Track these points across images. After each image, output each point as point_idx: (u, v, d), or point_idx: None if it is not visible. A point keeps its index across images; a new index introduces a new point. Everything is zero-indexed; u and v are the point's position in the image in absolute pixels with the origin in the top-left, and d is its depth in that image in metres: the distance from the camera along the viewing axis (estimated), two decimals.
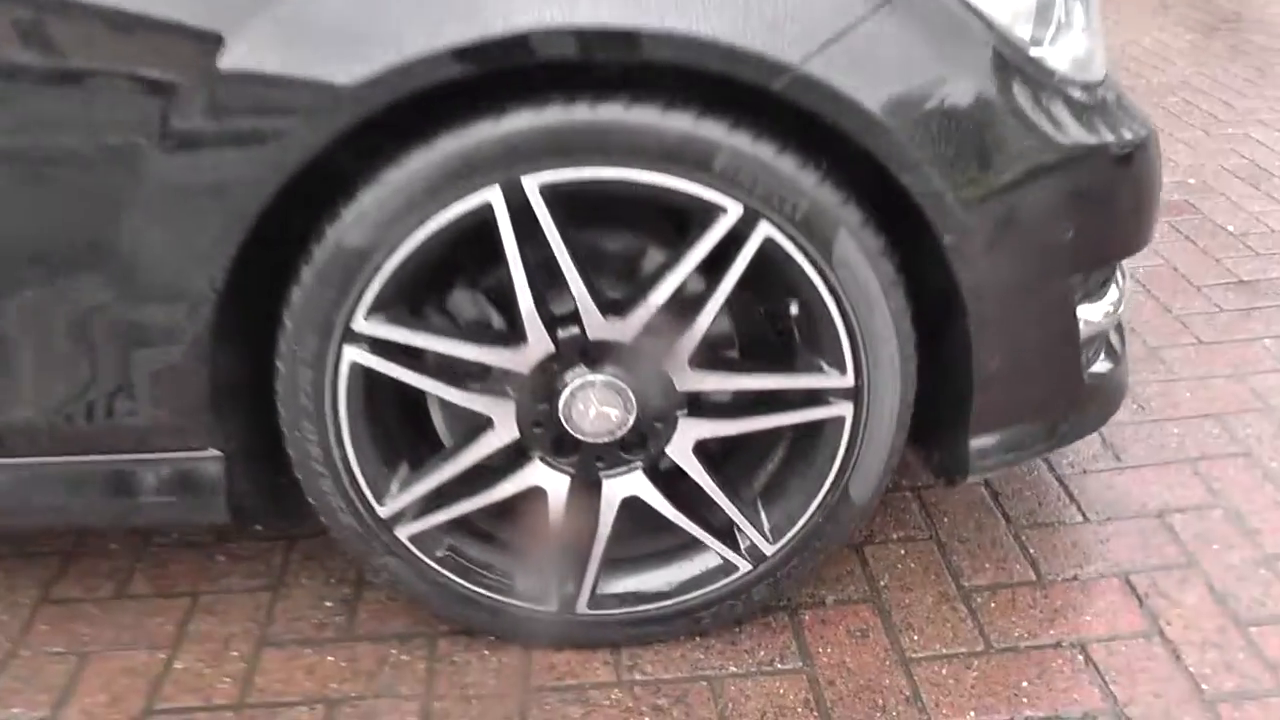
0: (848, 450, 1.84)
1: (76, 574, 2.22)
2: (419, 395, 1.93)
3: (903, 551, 2.23)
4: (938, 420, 1.94)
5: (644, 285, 1.73)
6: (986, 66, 1.68)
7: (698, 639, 2.03)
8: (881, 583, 2.15)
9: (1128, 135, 1.82)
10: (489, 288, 1.88)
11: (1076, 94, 1.79)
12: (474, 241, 1.80)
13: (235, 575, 2.21)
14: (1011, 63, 1.70)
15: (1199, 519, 2.28)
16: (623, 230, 1.88)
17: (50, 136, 1.60)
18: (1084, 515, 2.30)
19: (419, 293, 1.80)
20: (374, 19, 1.55)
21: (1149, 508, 2.32)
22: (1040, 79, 1.74)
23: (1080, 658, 1.97)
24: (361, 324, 1.70)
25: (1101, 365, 2.05)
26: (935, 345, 1.86)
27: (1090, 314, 1.92)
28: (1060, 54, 1.79)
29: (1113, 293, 2.02)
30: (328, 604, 2.13)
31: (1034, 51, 1.75)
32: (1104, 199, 1.80)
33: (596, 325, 1.73)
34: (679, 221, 1.78)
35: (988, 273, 1.73)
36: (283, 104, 1.58)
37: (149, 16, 1.55)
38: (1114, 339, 2.15)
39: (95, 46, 1.57)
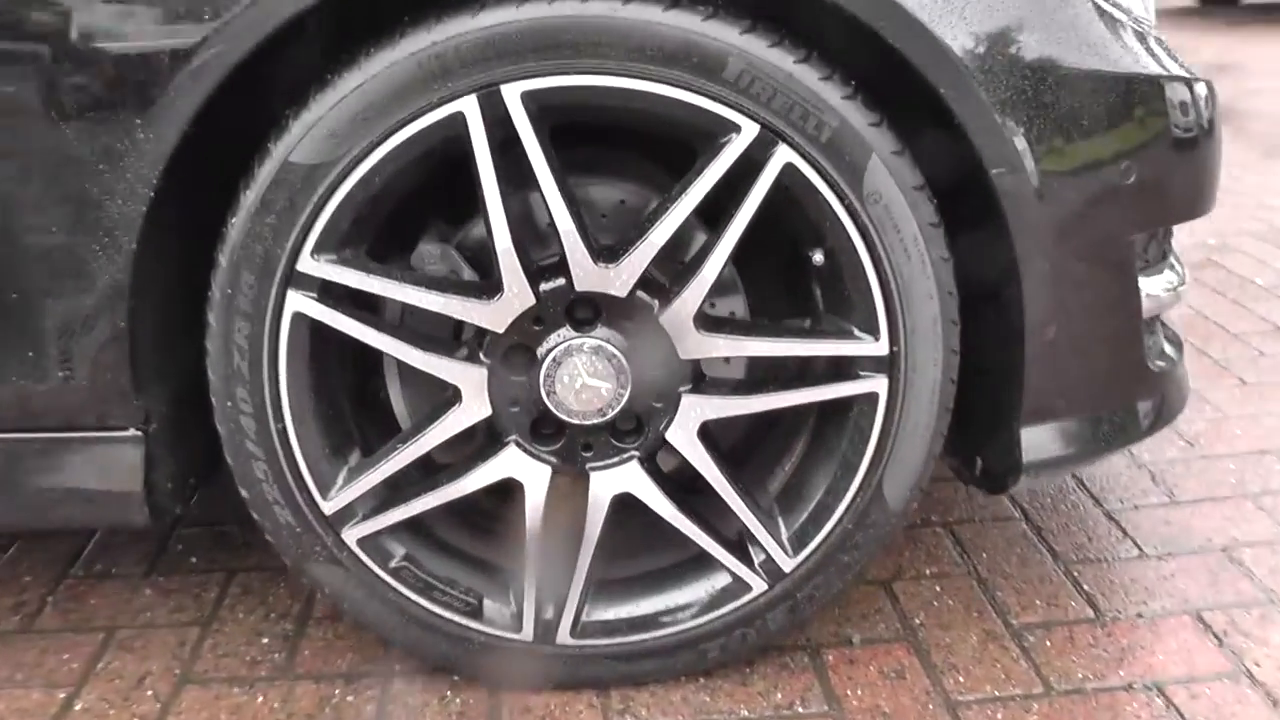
0: (882, 436, 1.55)
1: None
2: (375, 366, 1.65)
3: (938, 588, 1.92)
4: (982, 413, 1.66)
5: (642, 226, 1.47)
6: None
7: (702, 679, 1.71)
8: (916, 621, 1.84)
9: (1184, 75, 1.59)
10: (461, 243, 1.62)
11: (1132, 24, 1.57)
12: (444, 191, 1.57)
13: (161, 609, 1.89)
14: None
15: (1273, 554, 1.99)
16: (617, 179, 1.63)
17: None
18: (1140, 550, 2.01)
19: (378, 239, 1.53)
20: None
21: (1213, 543, 2.03)
22: (1100, 1, 1.52)
23: (1159, 701, 1.66)
24: (308, 263, 1.43)
25: (1161, 360, 1.78)
26: (978, 321, 1.60)
27: (1151, 287, 1.66)
28: None
29: (1170, 274, 1.77)
30: (264, 640, 1.81)
31: None
32: (1164, 140, 1.56)
33: (586, 273, 1.46)
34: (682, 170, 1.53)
35: (1043, 216, 1.47)
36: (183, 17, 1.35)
37: None
38: (1168, 347, 1.88)
39: None
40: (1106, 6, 1.53)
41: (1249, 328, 2.98)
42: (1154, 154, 1.54)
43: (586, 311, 1.51)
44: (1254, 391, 2.61)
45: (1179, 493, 2.20)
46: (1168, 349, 1.84)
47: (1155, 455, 2.34)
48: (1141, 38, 1.57)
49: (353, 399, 1.62)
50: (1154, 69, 1.54)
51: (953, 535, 2.07)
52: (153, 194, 1.38)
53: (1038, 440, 1.63)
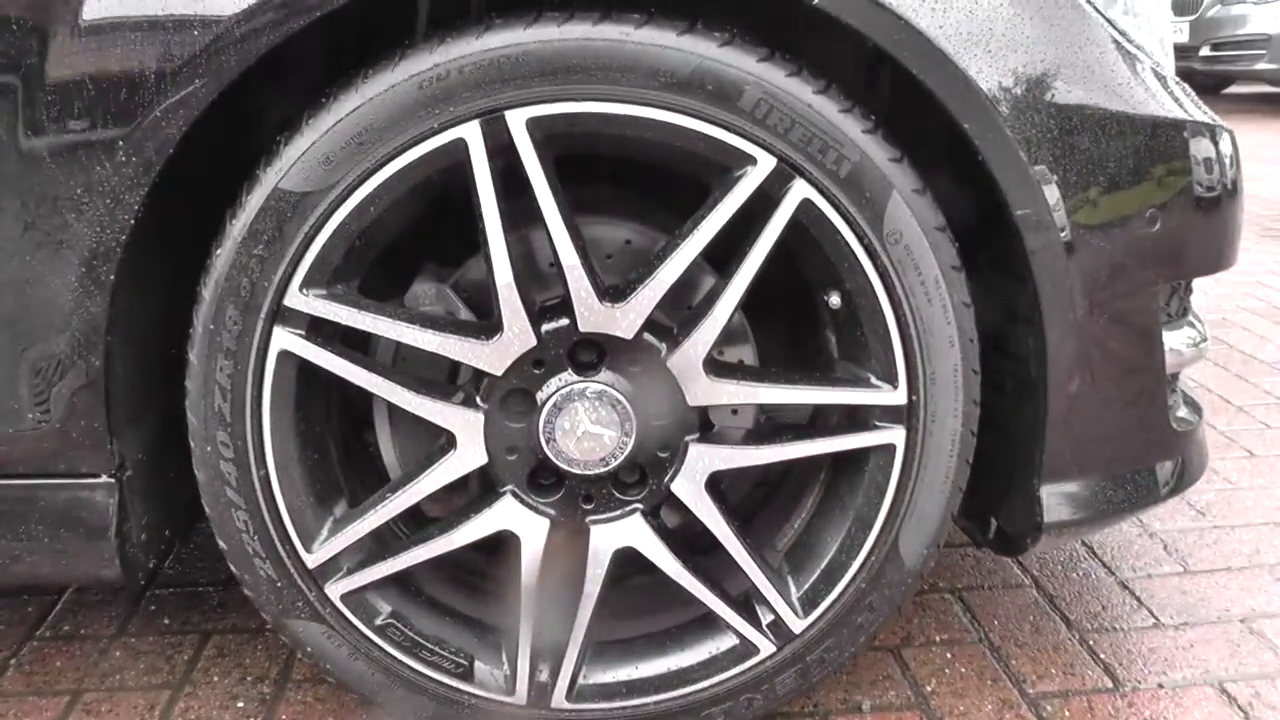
0: (899, 491, 1.48)
1: None
2: (363, 413, 1.57)
3: (949, 655, 1.83)
4: (998, 472, 1.59)
5: (650, 263, 1.40)
6: (1066, 8, 1.41)
7: None
8: (928, 688, 1.75)
9: (1208, 121, 1.55)
10: (458, 283, 1.55)
11: (1153, 67, 1.53)
12: (439, 233, 1.50)
13: (131, 671, 1.78)
14: (1091, 11, 1.43)
15: None
16: (622, 219, 1.56)
17: None
18: (1157, 619, 1.93)
19: (368, 277, 1.45)
20: None
21: (1231, 613, 1.95)
22: (1122, 40, 1.47)
23: None
24: (297, 298, 1.35)
25: (1182, 421, 1.71)
26: (995, 371, 1.54)
27: (1173, 341, 1.60)
28: (1136, 27, 1.54)
29: (1191, 330, 1.71)
30: (240, 704, 1.70)
31: (1119, 24, 1.49)
32: (1188, 188, 1.50)
33: (591, 312, 1.38)
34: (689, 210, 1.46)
35: (1069, 260, 1.41)
36: (161, 48, 1.28)
37: None
38: (1187, 410, 1.82)
39: None
40: (1130, 49, 1.48)
41: (1254, 401, 2.93)
42: (1180, 200, 1.49)
43: (590, 354, 1.44)
44: (1263, 463, 2.55)
45: (1193, 562, 2.12)
46: (1186, 412, 1.78)
47: (1166, 525, 2.26)
48: (1163, 81, 1.52)
49: (339, 447, 1.53)
50: (1178, 113, 1.49)
51: (962, 602, 1.99)
52: (134, 222, 1.30)
53: (1058, 500, 1.55)
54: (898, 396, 1.44)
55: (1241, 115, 9.84)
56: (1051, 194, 1.39)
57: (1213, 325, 3.53)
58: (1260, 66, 10.09)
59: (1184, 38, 10.77)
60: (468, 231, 1.41)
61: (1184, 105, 1.53)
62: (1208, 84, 11.68)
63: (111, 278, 1.33)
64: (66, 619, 1.93)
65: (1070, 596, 2.01)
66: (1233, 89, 11.87)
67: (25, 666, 1.80)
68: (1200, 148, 1.50)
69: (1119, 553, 2.15)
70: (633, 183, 1.58)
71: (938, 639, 1.88)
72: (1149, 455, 1.63)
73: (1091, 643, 1.87)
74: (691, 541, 1.60)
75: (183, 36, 1.28)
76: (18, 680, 1.77)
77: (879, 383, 1.44)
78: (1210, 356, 3.25)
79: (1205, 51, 10.57)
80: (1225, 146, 1.56)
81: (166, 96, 1.28)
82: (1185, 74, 11.53)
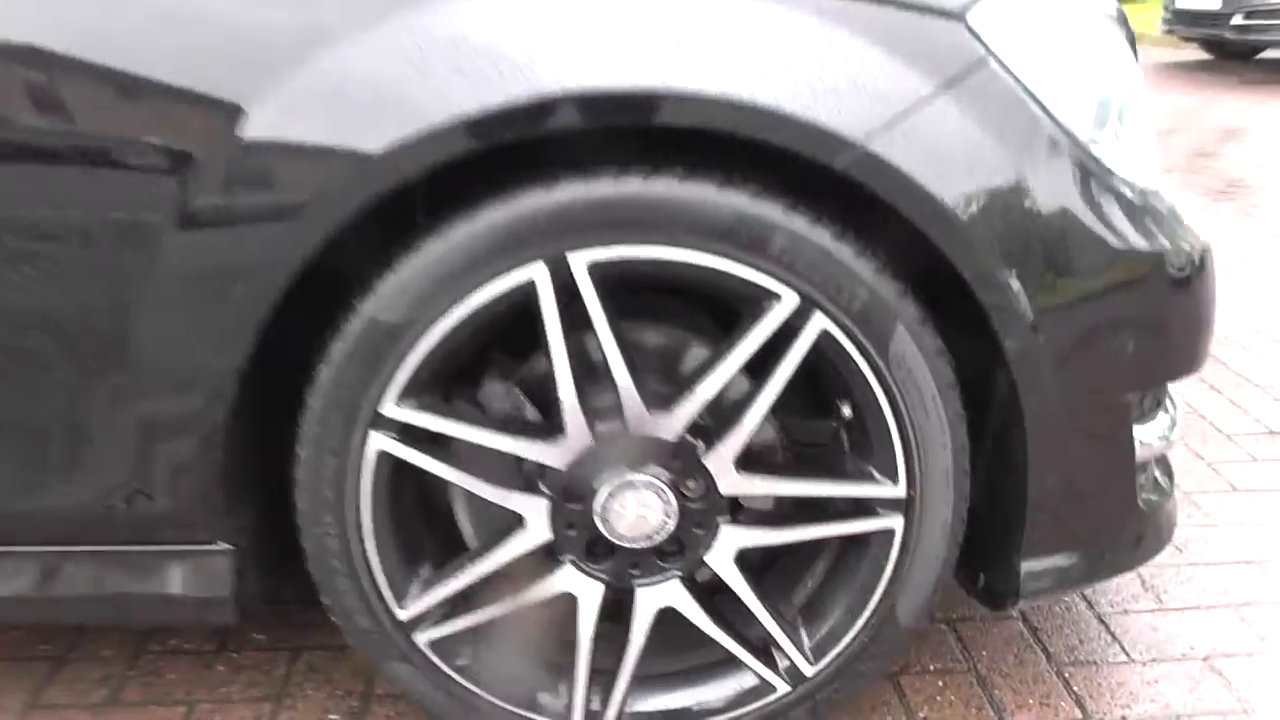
0: (896, 566, 1.74)
1: (67, 680, 2.08)
2: (443, 490, 1.84)
3: (941, 683, 2.10)
4: (986, 542, 1.85)
5: (690, 379, 1.65)
6: (1052, 158, 1.64)
7: None
8: (921, 714, 2.02)
9: (1185, 246, 1.77)
10: (523, 381, 1.80)
11: (1134, 197, 1.74)
12: (507, 332, 1.75)
13: (235, 685, 2.07)
14: (1075, 156, 1.66)
15: (1250, 666, 2.16)
16: (665, 325, 1.81)
17: (59, 211, 1.54)
18: (1127, 655, 2.19)
19: (449, 381, 1.71)
20: (403, 84, 1.50)
21: (1195, 651, 2.20)
22: (1103, 176, 1.70)
23: None
24: (391, 408, 1.61)
25: (1152, 495, 1.96)
26: (983, 461, 1.79)
27: (1145, 435, 1.85)
28: (1116, 154, 1.75)
29: (1163, 418, 1.95)
30: (332, 716, 1.99)
31: (1094, 149, 1.71)
32: (1161, 307, 1.74)
33: (639, 421, 1.64)
34: (723, 318, 1.72)
35: (1050, 381, 1.66)
36: (306, 174, 1.53)
37: (164, 84, 1.51)
38: (1160, 477, 2.06)
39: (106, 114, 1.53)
40: (1113, 182, 1.70)
41: (1243, 429, 3.14)
42: (1149, 321, 1.72)
43: (639, 450, 1.69)
44: (1243, 499, 2.77)
45: (1167, 599, 2.37)
46: (1159, 479, 2.02)
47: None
48: (1142, 210, 1.73)
49: (424, 518, 1.80)
50: (1155, 245, 1.71)
51: (955, 632, 2.25)
52: (248, 358, 1.57)
53: (1034, 573, 1.81)
54: (898, 491, 1.69)
55: (1273, 85, 9.89)
56: (1035, 318, 1.62)
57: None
58: None
59: (1217, 5, 10.81)
60: (530, 329, 1.65)
61: (1154, 232, 1.73)
62: (1239, 51, 11.71)
63: (229, 401, 1.60)
64: (172, 634, 2.22)
65: (1052, 629, 2.26)
66: (1264, 55, 11.89)
67: (143, 679, 2.09)
68: (1165, 273, 1.72)
69: (1100, 588, 2.40)
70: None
71: (932, 668, 2.14)
72: (1117, 533, 1.89)
73: (1067, 675, 2.13)
74: (719, 589, 1.87)
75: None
76: (138, 691, 2.06)
77: (882, 478, 1.70)
78: (1205, 377, 3.46)
79: (1237, 20, 10.62)
80: (1191, 270, 1.78)
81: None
82: (1216, 43, 11.58)
